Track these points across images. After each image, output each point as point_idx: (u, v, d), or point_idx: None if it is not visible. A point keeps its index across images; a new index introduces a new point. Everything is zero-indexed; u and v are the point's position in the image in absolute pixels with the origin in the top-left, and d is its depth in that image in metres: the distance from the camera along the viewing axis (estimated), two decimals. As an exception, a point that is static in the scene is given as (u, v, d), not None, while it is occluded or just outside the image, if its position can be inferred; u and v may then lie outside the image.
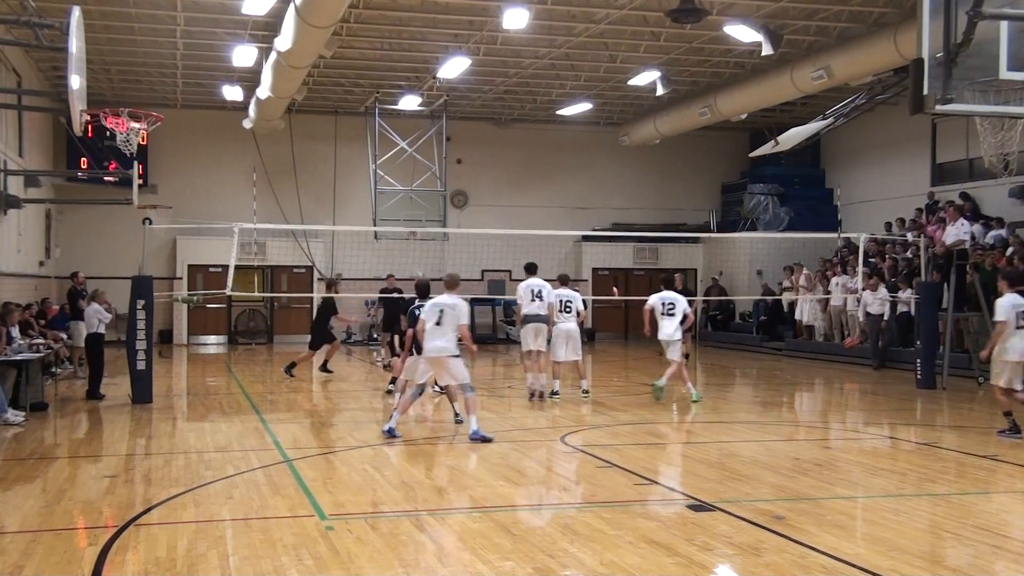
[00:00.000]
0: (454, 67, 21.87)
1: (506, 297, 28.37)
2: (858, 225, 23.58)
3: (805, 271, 23.94)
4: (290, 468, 9.44)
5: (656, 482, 8.75)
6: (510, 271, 28.40)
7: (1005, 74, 8.49)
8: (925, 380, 16.55)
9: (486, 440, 10.68)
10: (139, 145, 18.27)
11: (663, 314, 14.50)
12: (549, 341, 14.49)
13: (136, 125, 17.74)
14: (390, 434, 11.01)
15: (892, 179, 26.62)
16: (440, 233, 26.67)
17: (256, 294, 27.48)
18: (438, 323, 10.89)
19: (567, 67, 23.45)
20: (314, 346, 18.35)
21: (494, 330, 28.94)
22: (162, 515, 7.53)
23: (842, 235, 23.94)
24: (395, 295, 18.05)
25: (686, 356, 15.40)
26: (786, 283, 24.77)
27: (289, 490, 8.43)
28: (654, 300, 14.75)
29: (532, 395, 14.46)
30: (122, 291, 16.99)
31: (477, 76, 24.11)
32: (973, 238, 20.56)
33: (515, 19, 18.10)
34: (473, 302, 27.84)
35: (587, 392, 14.84)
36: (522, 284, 14.73)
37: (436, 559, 6.27)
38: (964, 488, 8.87)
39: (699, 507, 7.72)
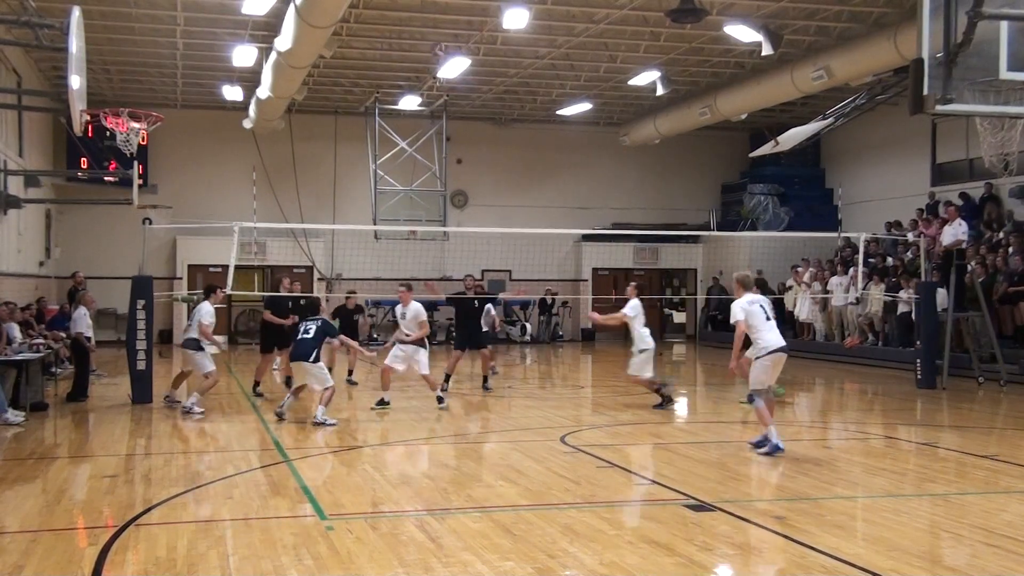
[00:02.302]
0: (454, 67, 21.87)
1: (506, 297, 28.40)
2: (858, 225, 23.57)
3: (811, 268, 23.95)
4: (290, 468, 9.44)
5: (656, 482, 8.75)
6: (510, 271, 28.42)
7: (1005, 74, 8.48)
8: (925, 380, 16.55)
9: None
10: (139, 145, 18.26)
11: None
12: None
13: (136, 125, 17.74)
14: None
15: (892, 179, 26.62)
16: (440, 233, 26.68)
17: (256, 294, 27.46)
18: (768, 318, 10.33)
19: (567, 67, 23.45)
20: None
21: (495, 330, 28.92)
22: (162, 515, 7.53)
23: (842, 235, 23.95)
24: (470, 296, 16.11)
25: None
26: (789, 282, 24.77)
27: (289, 490, 8.43)
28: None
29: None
30: (122, 291, 16.99)
31: (477, 76, 24.10)
32: (977, 238, 20.56)
33: (515, 19, 18.10)
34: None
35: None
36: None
37: (436, 559, 6.27)
38: (964, 488, 8.86)
39: (699, 507, 7.72)
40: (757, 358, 10.22)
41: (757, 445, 10.26)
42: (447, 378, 15.43)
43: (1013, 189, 21.51)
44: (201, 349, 13.60)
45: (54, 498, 8.25)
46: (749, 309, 10.24)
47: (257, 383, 15.65)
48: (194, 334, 13.56)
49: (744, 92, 23.42)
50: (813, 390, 17.86)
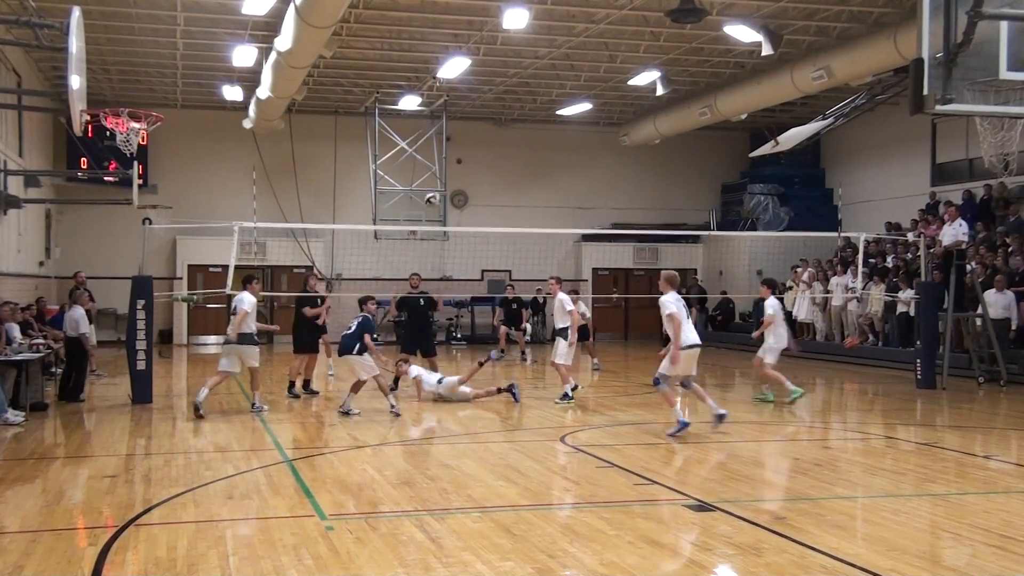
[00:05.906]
0: (454, 67, 21.88)
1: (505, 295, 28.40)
2: (858, 225, 23.59)
3: (809, 268, 23.97)
4: (290, 468, 9.44)
5: (656, 482, 8.74)
6: (510, 271, 28.43)
7: (1005, 74, 8.48)
8: (925, 380, 16.54)
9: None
10: (139, 145, 18.27)
11: None
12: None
13: (136, 125, 17.75)
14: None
15: (892, 179, 26.63)
16: (440, 233, 26.68)
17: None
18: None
19: (567, 67, 23.45)
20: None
21: (494, 330, 28.89)
22: (162, 515, 7.53)
23: (842, 235, 23.96)
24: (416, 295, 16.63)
25: None
26: (789, 282, 24.78)
27: (289, 490, 8.43)
28: None
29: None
30: (122, 291, 17.00)
31: (477, 76, 24.11)
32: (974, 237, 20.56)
33: (515, 19, 18.11)
34: (473, 301, 28.19)
35: None
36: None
37: (436, 559, 6.27)
38: (964, 488, 8.86)
39: (699, 507, 7.72)
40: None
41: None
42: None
43: (1013, 189, 21.52)
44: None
45: (54, 498, 8.25)
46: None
47: (293, 384, 15.44)
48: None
49: (744, 92, 23.42)
50: (813, 390, 17.84)
